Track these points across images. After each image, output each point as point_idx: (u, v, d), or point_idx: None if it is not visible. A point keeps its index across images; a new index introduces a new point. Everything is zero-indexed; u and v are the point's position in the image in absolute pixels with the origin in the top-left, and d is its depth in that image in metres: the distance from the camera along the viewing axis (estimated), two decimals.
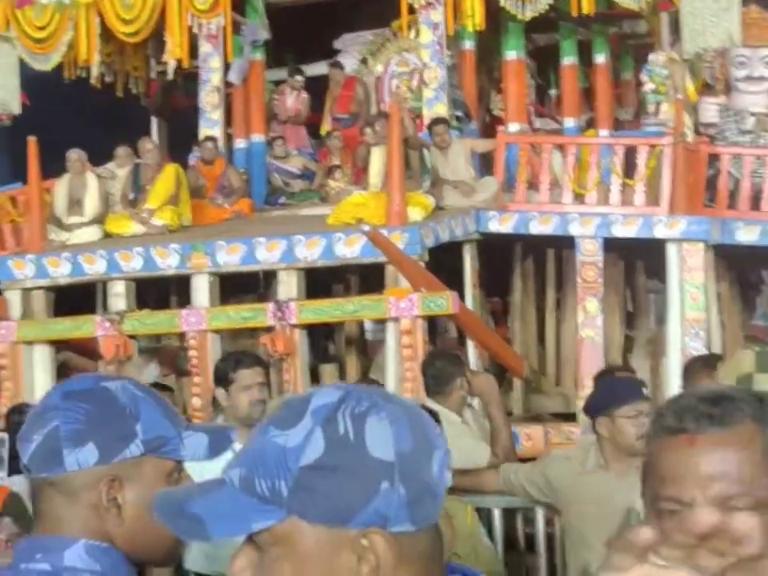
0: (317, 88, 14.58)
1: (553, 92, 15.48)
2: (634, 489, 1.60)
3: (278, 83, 14.54)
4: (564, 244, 11.41)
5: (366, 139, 13.49)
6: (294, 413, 1.23)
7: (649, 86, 10.86)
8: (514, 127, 12.35)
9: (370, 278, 10.96)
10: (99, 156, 12.51)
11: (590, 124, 13.30)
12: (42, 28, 13.06)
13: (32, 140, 10.47)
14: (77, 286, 10.52)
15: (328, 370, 10.82)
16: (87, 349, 10.74)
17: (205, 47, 12.81)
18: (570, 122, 12.94)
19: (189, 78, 14.41)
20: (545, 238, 11.00)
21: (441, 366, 5.23)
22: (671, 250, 10.02)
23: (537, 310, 12.23)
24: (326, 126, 14.13)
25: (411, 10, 12.14)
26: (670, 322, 10.04)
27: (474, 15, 11.72)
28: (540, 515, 4.83)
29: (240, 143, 13.23)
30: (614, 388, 4.55)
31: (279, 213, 12.54)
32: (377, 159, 10.08)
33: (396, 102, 9.64)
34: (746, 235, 10.53)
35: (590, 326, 10.20)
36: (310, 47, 15.26)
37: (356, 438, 1.19)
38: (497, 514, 4.73)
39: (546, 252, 12.15)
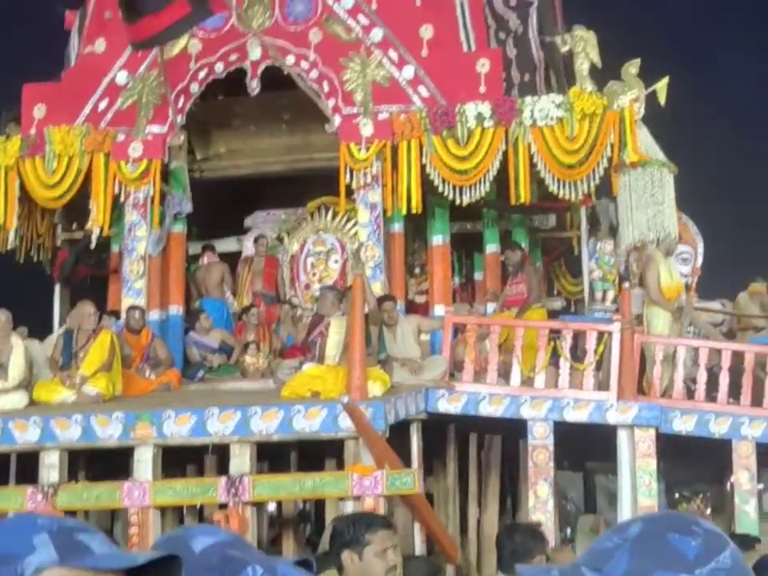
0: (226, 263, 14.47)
1: (456, 279, 15.76)
2: None
3: (189, 257, 14.39)
4: (493, 428, 11.38)
5: (281, 315, 13.41)
6: None
7: (596, 274, 11.11)
8: (440, 310, 12.41)
9: (317, 454, 10.66)
10: None
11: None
12: None
13: None
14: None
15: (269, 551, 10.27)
16: None
17: (131, 216, 12.55)
18: (491, 308, 13.05)
19: (96, 248, 14.07)
20: (484, 420, 10.90)
21: (520, 541, 4.96)
22: (622, 436, 10.05)
23: (461, 494, 12.06)
24: (243, 301, 13.95)
25: (348, 190, 12.22)
26: (621, 509, 9.98)
27: (412, 199, 11.88)
28: None
29: (154, 315, 12.85)
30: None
31: (200, 387, 12.14)
32: (335, 331, 9.90)
33: (359, 274, 9.53)
34: (683, 424, 10.67)
35: (541, 510, 10.03)
36: (220, 223, 15.19)
37: None
38: None
39: (469, 436, 12.07)
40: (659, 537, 1.41)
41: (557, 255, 15.90)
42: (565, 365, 10.46)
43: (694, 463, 12.45)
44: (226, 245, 15.12)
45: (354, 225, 13.62)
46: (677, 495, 26.42)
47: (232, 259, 14.64)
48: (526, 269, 12.57)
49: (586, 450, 12.93)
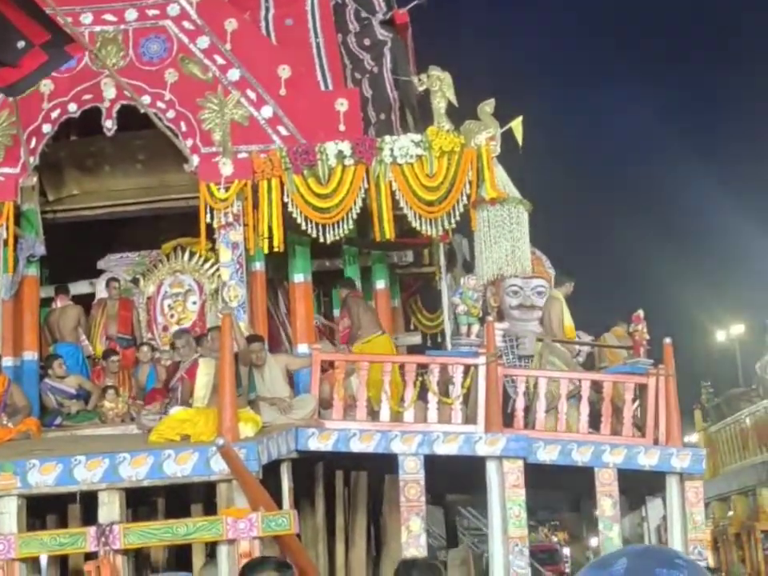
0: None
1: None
2: None
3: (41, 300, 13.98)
4: (359, 464, 11.41)
5: (140, 358, 13.16)
6: None
7: (461, 308, 11.27)
8: (302, 348, 12.38)
9: (184, 499, 10.48)
10: None
11: None
12: None
13: None
14: None
15: None
16: None
17: None
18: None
19: None
20: (350, 456, 10.90)
21: None
22: (491, 467, 10.18)
23: (328, 532, 12.03)
24: (98, 345, 13.65)
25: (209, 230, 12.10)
26: (492, 541, 10.09)
27: (274, 237, 11.86)
28: None
29: (8, 361, 12.44)
30: None
31: (59, 434, 11.80)
32: (203, 372, 9.77)
33: (228, 314, 9.43)
34: (547, 454, 10.88)
35: (413, 545, 10.07)
36: (72, 266, 14.83)
37: None
38: None
39: (336, 474, 12.07)
40: (647, 571, 1.45)
41: (414, 291, 16.10)
42: (433, 399, 10.56)
43: (538, 492, 12.67)
44: (79, 288, 14.76)
45: (212, 265, 13.52)
46: None
47: (85, 302, 14.31)
48: (348, 302, 12.76)
49: (446, 483, 13.06)
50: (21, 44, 10.57)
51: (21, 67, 10.67)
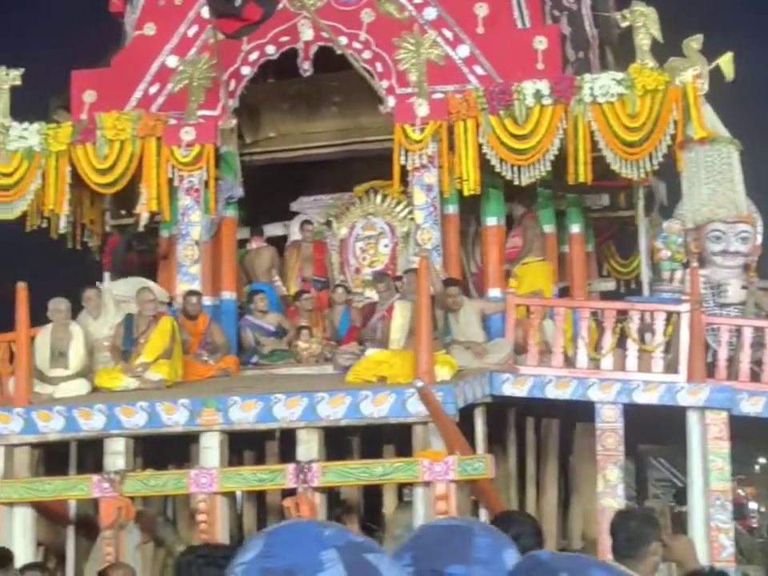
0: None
1: None
2: None
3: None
4: (550, 411, 11.22)
5: (335, 299, 13.25)
6: None
7: (664, 253, 10.91)
8: (494, 292, 12.21)
9: (375, 440, 10.55)
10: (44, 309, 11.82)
11: (564, 292, 13.26)
12: (8, 175, 12.48)
13: (22, 286, 9.76)
14: (64, 444, 9.74)
15: None
16: (51, 512, 9.91)
17: (185, 200, 12.41)
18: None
19: (146, 233, 13.93)
20: (542, 403, 10.72)
21: (635, 527, 4.78)
22: (692, 418, 9.86)
23: (518, 479, 11.92)
24: (292, 287, 13.82)
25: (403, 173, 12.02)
26: (692, 493, 9.78)
27: (470, 180, 11.70)
28: None
29: (207, 300, 12.70)
30: None
31: (256, 372, 12.02)
32: (399, 315, 9.74)
33: (424, 257, 9.36)
34: (751, 406, 10.46)
35: (610, 495, 9.86)
36: (265, 208, 15.02)
37: None
38: None
39: (526, 420, 11.92)
40: None
41: (608, 236, 15.69)
42: (632, 347, 10.27)
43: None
44: (272, 230, 14.96)
45: (404, 208, 13.46)
46: None
47: (277, 244, 14.50)
48: (525, 222, 12.47)
49: (638, 433, 12.77)
50: (237, 1, 10.89)
51: (244, 19, 10.99)
